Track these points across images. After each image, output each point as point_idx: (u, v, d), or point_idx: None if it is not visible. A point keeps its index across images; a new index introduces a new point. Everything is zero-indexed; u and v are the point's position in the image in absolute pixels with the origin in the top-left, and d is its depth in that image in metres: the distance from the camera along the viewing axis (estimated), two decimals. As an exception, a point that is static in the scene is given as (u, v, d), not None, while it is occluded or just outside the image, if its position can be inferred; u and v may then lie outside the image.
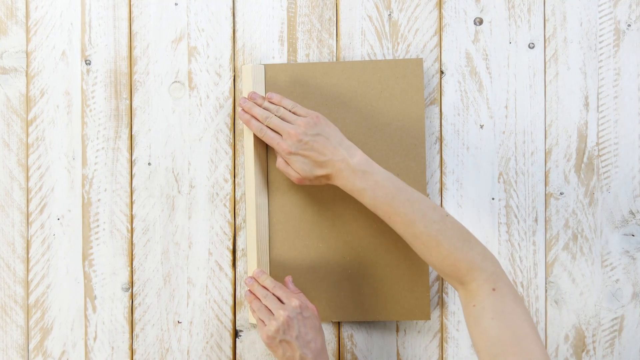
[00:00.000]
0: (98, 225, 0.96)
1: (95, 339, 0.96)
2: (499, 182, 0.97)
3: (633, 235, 0.97)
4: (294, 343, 0.83)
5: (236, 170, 0.97)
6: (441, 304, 0.97)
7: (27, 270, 0.96)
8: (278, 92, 0.94)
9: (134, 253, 0.96)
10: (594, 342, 0.97)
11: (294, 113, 0.89)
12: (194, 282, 0.96)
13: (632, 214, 0.97)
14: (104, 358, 0.96)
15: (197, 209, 0.96)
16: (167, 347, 0.96)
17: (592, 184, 0.97)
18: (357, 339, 0.97)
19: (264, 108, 0.90)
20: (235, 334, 0.97)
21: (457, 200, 0.97)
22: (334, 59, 0.97)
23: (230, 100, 0.96)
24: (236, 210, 0.96)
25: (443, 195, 0.97)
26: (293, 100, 0.94)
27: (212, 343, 0.96)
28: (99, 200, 0.96)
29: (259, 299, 0.88)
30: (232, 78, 0.97)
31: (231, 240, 0.96)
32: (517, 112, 0.97)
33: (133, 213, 0.96)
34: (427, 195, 0.96)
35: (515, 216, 0.97)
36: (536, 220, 0.97)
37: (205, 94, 0.96)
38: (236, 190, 0.96)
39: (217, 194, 0.96)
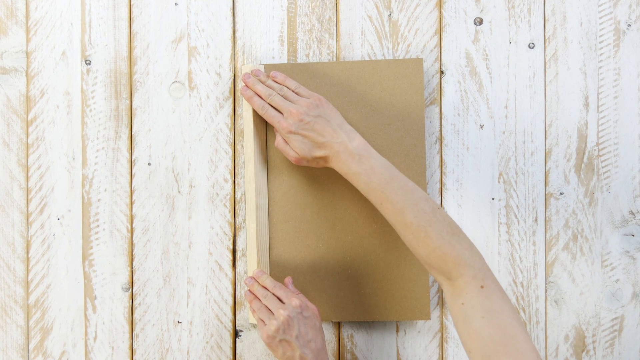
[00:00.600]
0: (98, 226, 0.96)
1: (95, 339, 0.96)
2: (499, 182, 0.97)
3: (633, 235, 0.97)
4: (294, 343, 0.83)
5: (236, 170, 0.97)
6: (441, 304, 0.96)
7: (27, 270, 0.96)
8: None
9: (134, 253, 0.96)
10: (594, 342, 0.97)
11: (297, 94, 0.89)
12: (194, 282, 0.96)
13: (632, 214, 0.97)
14: (104, 358, 0.96)
15: (197, 209, 0.96)
16: (167, 347, 0.96)
17: (592, 184, 0.97)
18: (357, 339, 0.97)
19: (267, 86, 0.90)
20: (235, 334, 0.97)
21: (457, 200, 0.97)
22: (334, 59, 0.97)
23: (230, 100, 0.96)
24: (236, 210, 0.96)
25: (443, 195, 0.97)
26: None
27: (212, 343, 0.96)
28: (99, 200, 0.96)
29: (259, 299, 0.88)
30: (232, 78, 0.97)
31: (231, 240, 0.96)
32: (517, 112, 0.97)
33: (133, 213, 0.96)
34: (427, 195, 0.96)
35: (515, 216, 0.97)
36: (536, 220, 0.97)
37: (205, 94, 0.96)
38: (236, 190, 0.96)
39: (217, 194, 0.96)
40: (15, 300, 0.96)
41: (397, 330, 0.97)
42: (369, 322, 0.96)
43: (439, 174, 0.97)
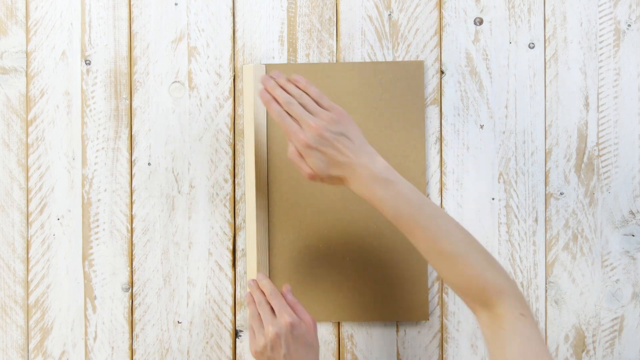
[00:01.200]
0: (98, 226, 0.96)
1: (95, 339, 0.96)
2: (499, 182, 0.97)
3: (633, 235, 0.97)
4: None
5: (236, 170, 0.97)
6: (441, 304, 0.97)
7: (27, 270, 0.96)
8: None
9: (134, 253, 0.96)
10: (594, 342, 0.97)
11: (318, 104, 0.82)
12: (194, 282, 0.96)
13: (632, 214, 0.97)
14: (104, 358, 0.96)
15: (197, 209, 0.96)
16: (167, 347, 0.96)
17: (592, 184, 0.97)
18: (357, 339, 0.97)
19: (287, 91, 0.83)
20: (235, 334, 0.97)
21: (457, 200, 0.97)
22: (334, 59, 0.97)
23: (230, 100, 0.97)
24: (236, 210, 0.97)
25: (443, 195, 0.97)
26: None
27: (212, 343, 0.97)
28: (99, 200, 0.96)
29: (255, 304, 0.87)
30: (232, 78, 0.97)
31: (231, 240, 0.97)
32: (517, 112, 0.97)
33: (133, 213, 0.96)
34: (427, 196, 0.96)
35: (516, 216, 0.97)
36: (536, 220, 0.97)
37: (205, 94, 0.96)
38: (236, 190, 0.97)
39: (217, 194, 0.96)
40: (15, 300, 0.96)
41: (397, 330, 0.97)
42: (369, 322, 0.97)
43: (439, 174, 0.97)
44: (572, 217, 0.97)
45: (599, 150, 0.97)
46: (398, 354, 0.97)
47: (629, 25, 0.97)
